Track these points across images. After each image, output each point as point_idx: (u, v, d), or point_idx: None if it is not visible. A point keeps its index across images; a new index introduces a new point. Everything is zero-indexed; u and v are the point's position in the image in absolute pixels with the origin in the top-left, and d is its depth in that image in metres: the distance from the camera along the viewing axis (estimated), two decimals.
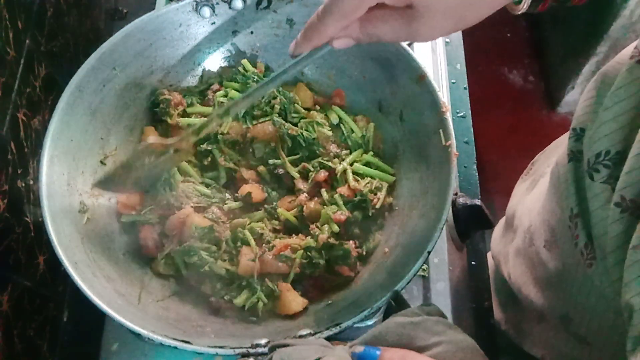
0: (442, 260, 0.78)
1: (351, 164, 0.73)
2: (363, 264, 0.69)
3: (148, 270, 0.69)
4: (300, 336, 0.53)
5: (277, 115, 0.74)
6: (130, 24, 0.71)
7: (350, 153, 0.75)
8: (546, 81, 2.09)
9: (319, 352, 0.43)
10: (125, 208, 0.71)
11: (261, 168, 0.74)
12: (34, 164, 0.69)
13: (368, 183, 0.72)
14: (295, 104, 0.77)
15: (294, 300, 0.65)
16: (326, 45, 0.52)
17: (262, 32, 0.79)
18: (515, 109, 2.07)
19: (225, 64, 0.81)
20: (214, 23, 0.77)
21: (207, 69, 0.81)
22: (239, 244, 0.68)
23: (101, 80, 0.70)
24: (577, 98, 1.92)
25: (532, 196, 0.74)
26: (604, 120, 0.48)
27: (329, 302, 0.66)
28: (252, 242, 0.67)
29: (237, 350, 0.54)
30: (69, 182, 0.66)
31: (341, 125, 0.78)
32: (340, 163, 0.73)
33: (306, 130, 0.74)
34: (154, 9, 0.76)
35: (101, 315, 0.62)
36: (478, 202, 0.77)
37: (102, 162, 0.72)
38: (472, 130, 0.90)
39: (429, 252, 0.58)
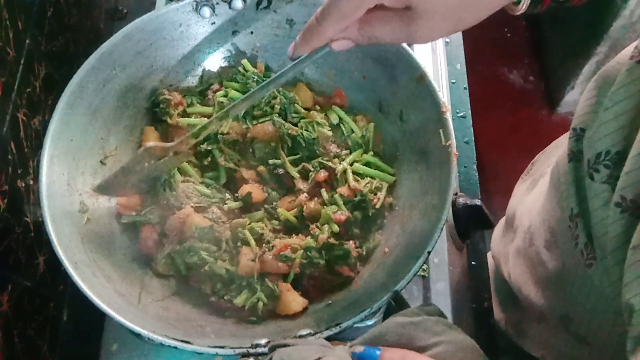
0: (442, 260, 0.78)
1: (351, 164, 0.73)
2: (363, 264, 0.69)
3: (148, 270, 0.69)
4: (300, 336, 0.53)
5: (277, 115, 0.74)
6: (130, 24, 0.71)
7: (350, 153, 0.75)
8: (546, 81, 2.09)
9: (319, 352, 0.43)
10: (125, 209, 0.71)
11: (261, 168, 0.74)
12: (34, 164, 0.69)
13: (368, 183, 0.72)
14: (295, 104, 0.77)
15: (294, 300, 0.65)
16: (325, 46, 0.52)
17: (262, 32, 0.79)
18: (515, 109, 2.07)
19: (225, 64, 0.81)
20: (214, 23, 0.77)
21: (207, 69, 0.81)
22: (239, 244, 0.68)
23: (101, 80, 0.70)
24: (577, 98, 1.92)
25: (532, 196, 0.74)
26: (604, 120, 0.48)
27: (329, 302, 0.66)
28: (252, 242, 0.67)
29: (237, 350, 0.54)
30: (69, 182, 0.66)
31: (341, 125, 0.78)
32: (340, 163, 0.73)
33: (306, 130, 0.74)
34: (154, 9, 0.76)
35: (101, 315, 0.62)
36: (478, 202, 0.77)
37: (102, 162, 0.72)
38: (472, 130, 0.90)
39: (429, 252, 0.58)
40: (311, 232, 0.69)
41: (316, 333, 0.55)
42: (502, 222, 0.87)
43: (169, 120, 0.75)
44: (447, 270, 0.77)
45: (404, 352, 0.42)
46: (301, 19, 0.76)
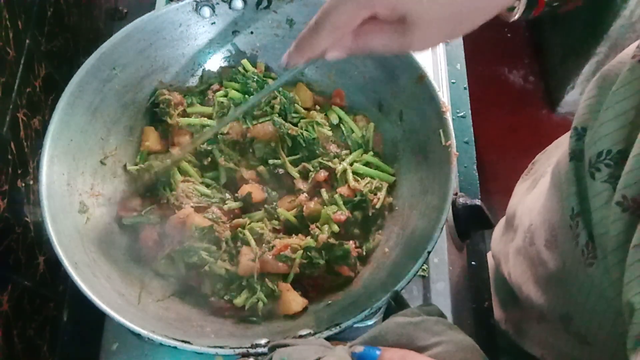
0: (442, 260, 0.78)
1: (351, 164, 0.73)
2: (363, 264, 0.69)
3: (148, 270, 0.69)
4: (300, 336, 0.53)
5: (277, 115, 0.75)
6: (130, 24, 0.71)
7: (350, 153, 0.75)
8: (546, 81, 2.09)
9: (319, 352, 0.43)
10: (125, 210, 0.71)
11: (261, 168, 0.74)
12: (34, 164, 0.69)
13: (368, 183, 0.72)
14: (295, 104, 0.77)
15: (294, 300, 0.65)
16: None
17: (262, 32, 0.79)
18: (515, 109, 2.07)
19: (225, 64, 0.81)
20: (214, 23, 0.77)
21: (207, 69, 0.81)
22: (239, 244, 0.68)
23: (101, 80, 0.70)
24: (577, 98, 1.92)
25: (533, 196, 0.74)
26: (605, 119, 0.48)
27: (329, 302, 0.66)
28: (252, 242, 0.67)
29: (237, 350, 0.54)
30: (69, 182, 0.66)
31: (341, 125, 0.78)
32: (340, 163, 0.73)
33: (306, 130, 0.74)
34: (154, 9, 0.76)
35: (101, 315, 0.62)
36: (478, 202, 0.77)
37: (102, 162, 0.72)
38: (472, 130, 0.90)
39: (429, 252, 0.58)
40: (311, 232, 0.69)
41: (316, 333, 0.55)
42: (502, 221, 0.87)
43: (169, 120, 0.75)
44: (447, 270, 0.77)
45: (404, 352, 0.42)
46: (301, 19, 0.76)
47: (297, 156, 0.74)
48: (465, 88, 0.94)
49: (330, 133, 0.75)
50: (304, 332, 0.54)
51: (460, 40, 0.98)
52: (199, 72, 0.81)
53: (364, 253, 0.69)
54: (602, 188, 0.48)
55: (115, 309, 0.56)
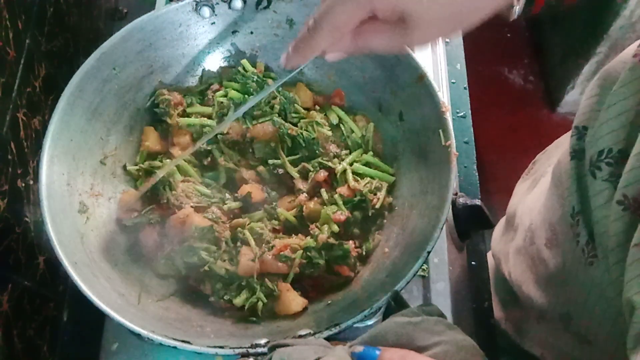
0: (442, 260, 0.78)
1: (351, 164, 0.73)
2: (363, 264, 0.69)
3: (148, 270, 0.69)
4: (300, 336, 0.53)
5: (277, 115, 0.74)
6: (130, 24, 0.71)
7: (350, 153, 0.75)
8: (546, 81, 2.09)
9: (319, 352, 0.43)
10: (125, 212, 0.71)
11: (261, 168, 0.74)
12: (34, 164, 0.69)
13: (368, 183, 0.72)
14: (295, 104, 0.77)
15: (294, 300, 0.65)
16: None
17: (262, 32, 0.79)
18: (515, 109, 2.07)
19: (225, 64, 0.81)
20: (214, 23, 0.77)
21: (207, 69, 0.81)
22: (238, 244, 0.68)
23: (101, 80, 0.70)
24: (577, 98, 1.92)
25: (533, 195, 0.74)
26: (606, 118, 0.48)
27: (329, 302, 0.66)
28: (252, 242, 0.67)
29: (237, 350, 0.54)
30: (69, 182, 0.66)
31: (341, 125, 0.78)
32: (340, 163, 0.73)
33: (306, 130, 0.74)
34: (154, 9, 0.76)
35: (101, 315, 0.62)
36: (478, 202, 0.77)
37: (102, 162, 0.72)
38: (472, 130, 0.90)
39: (429, 252, 0.58)
40: (311, 232, 0.69)
41: (316, 333, 0.55)
42: (502, 221, 0.87)
43: (168, 120, 0.75)
44: (447, 270, 0.77)
45: (404, 352, 0.42)
46: (301, 19, 0.76)
47: (297, 156, 0.74)
48: (465, 88, 0.94)
49: (330, 133, 0.75)
50: (303, 332, 0.54)
51: (460, 40, 0.98)
52: (199, 72, 0.81)
53: (364, 253, 0.69)
54: (603, 187, 0.48)
55: (115, 309, 0.56)
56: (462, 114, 0.91)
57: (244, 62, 0.80)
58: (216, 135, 0.74)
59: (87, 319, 0.73)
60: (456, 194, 0.79)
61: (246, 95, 0.76)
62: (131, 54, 0.72)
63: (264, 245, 0.68)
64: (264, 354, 0.52)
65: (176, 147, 0.75)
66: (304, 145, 0.73)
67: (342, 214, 0.69)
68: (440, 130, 0.66)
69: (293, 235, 0.70)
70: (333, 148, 0.75)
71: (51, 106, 0.67)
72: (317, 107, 0.79)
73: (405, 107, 0.74)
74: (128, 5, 1.02)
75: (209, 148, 0.74)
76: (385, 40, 0.48)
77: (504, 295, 0.83)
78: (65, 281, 0.76)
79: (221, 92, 0.78)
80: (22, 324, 0.65)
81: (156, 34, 0.74)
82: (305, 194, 0.72)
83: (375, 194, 0.71)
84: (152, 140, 0.76)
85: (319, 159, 0.73)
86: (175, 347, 0.55)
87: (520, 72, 2.14)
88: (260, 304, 0.65)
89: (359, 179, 0.73)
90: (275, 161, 0.73)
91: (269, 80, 0.78)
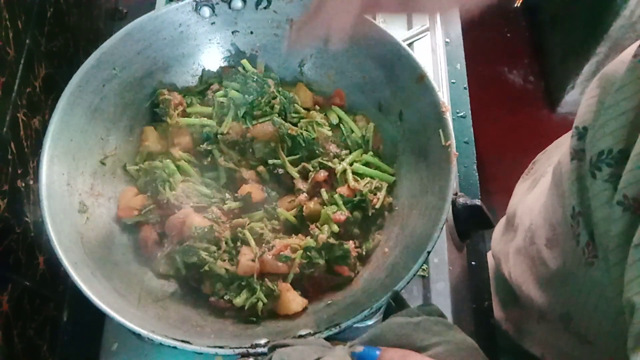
0: (442, 260, 0.78)
1: (351, 164, 0.73)
2: (363, 264, 0.69)
3: (148, 270, 0.69)
4: (300, 336, 0.53)
5: (277, 115, 0.74)
6: (130, 24, 0.71)
7: (350, 153, 0.75)
8: (546, 81, 2.09)
9: (319, 352, 0.43)
10: (125, 212, 0.71)
11: (261, 168, 0.74)
12: (34, 164, 0.69)
13: (368, 183, 0.72)
14: (295, 104, 0.77)
15: (294, 300, 0.65)
16: None
17: (262, 32, 0.79)
18: (515, 109, 2.07)
19: (225, 64, 0.81)
20: (214, 23, 0.77)
21: (207, 69, 0.81)
22: (238, 244, 0.68)
23: (101, 80, 0.70)
24: (577, 98, 1.92)
25: (533, 195, 0.74)
26: (606, 118, 0.48)
27: (329, 302, 0.66)
28: (252, 242, 0.67)
29: (237, 350, 0.54)
30: (69, 182, 0.66)
31: (341, 125, 0.78)
32: (340, 163, 0.73)
33: (306, 130, 0.74)
34: (154, 9, 0.76)
35: (101, 315, 0.62)
36: (478, 202, 0.77)
37: (102, 162, 0.72)
38: (472, 130, 0.90)
39: (429, 252, 0.58)
40: (311, 232, 0.68)
41: (316, 333, 0.55)
42: (502, 221, 0.87)
43: (168, 120, 0.75)
44: (447, 270, 0.77)
45: (404, 352, 0.42)
46: None
47: (297, 156, 0.74)
48: (465, 88, 0.94)
49: (330, 133, 0.75)
50: (303, 332, 0.54)
51: (460, 40, 0.98)
52: (199, 72, 0.81)
53: (364, 253, 0.69)
54: (603, 187, 0.48)
55: (115, 309, 0.56)
56: (462, 114, 0.91)
57: (244, 62, 0.80)
58: (216, 135, 0.74)
59: (87, 319, 0.73)
60: (456, 194, 0.79)
61: (246, 96, 0.76)
62: (131, 54, 0.72)
63: (264, 245, 0.68)
64: (264, 354, 0.52)
65: (176, 147, 0.75)
66: (304, 145, 0.73)
67: (342, 214, 0.69)
68: (440, 130, 0.66)
69: (293, 235, 0.70)
70: (333, 148, 0.75)
71: (51, 106, 0.67)
72: (317, 107, 0.79)
73: (405, 107, 0.74)
74: (128, 5, 1.02)
75: (209, 148, 0.74)
76: (394, 7, 0.47)
77: (504, 296, 0.83)
78: (65, 281, 0.76)
79: (221, 92, 0.78)
80: (22, 324, 0.65)
81: (156, 34, 0.74)
82: (305, 194, 0.72)
83: (375, 194, 0.71)
84: (152, 140, 0.76)
85: (319, 159, 0.73)
86: (175, 347, 0.55)
87: (520, 72, 2.14)
88: (260, 304, 0.65)
89: (359, 179, 0.73)
90: (275, 161, 0.73)
91: (269, 81, 0.78)
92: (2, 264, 0.61)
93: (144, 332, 0.55)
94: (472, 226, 0.79)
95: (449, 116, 0.66)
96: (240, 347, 0.54)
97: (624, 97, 0.47)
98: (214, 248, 0.68)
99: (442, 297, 0.75)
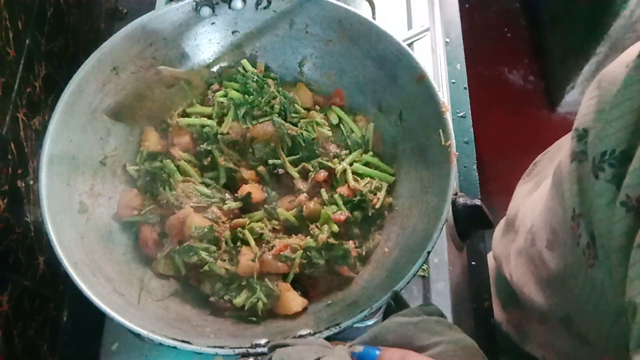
0: (442, 260, 0.78)
1: (351, 164, 0.73)
2: (363, 264, 0.69)
3: (148, 270, 0.69)
4: (300, 336, 0.53)
5: (277, 115, 0.74)
6: (130, 24, 0.71)
7: (350, 153, 0.75)
8: (546, 81, 2.09)
9: (319, 352, 0.43)
10: (125, 210, 0.71)
11: (261, 168, 0.74)
12: (34, 164, 0.69)
13: (368, 183, 0.72)
14: (295, 104, 0.77)
15: (294, 300, 0.65)
16: None
17: (262, 32, 0.79)
18: (515, 109, 2.07)
19: (225, 64, 0.81)
20: (214, 23, 0.77)
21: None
22: (238, 244, 0.68)
23: (101, 80, 0.70)
24: (577, 98, 1.92)
25: (535, 197, 0.74)
26: (609, 119, 0.48)
27: (329, 302, 0.66)
28: (252, 242, 0.67)
29: (237, 350, 0.54)
30: (69, 182, 0.66)
31: (341, 125, 0.78)
32: (340, 163, 0.73)
33: (306, 130, 0.74)
34: (154, 9, 0.76)
35: (101, 315, 0.62)
36: (478, 202, 0.77)
37: (102, 162, 0.72)
38: (472, 130, 0.90)
39: (429, 252, 0.58)
40: (311, 232, 0.69)
41: (316, 333, 0.55)
42: (502, 222, 0.87)
43: (168, 120, 0.75)
44: (447, 270, 0.77)
45: (404, 352, 0.42)
46: (301, 19, 0.76)
47: (297, 156, 0.74)
48: (465, 88, 0.94)
49: (330, 133, 0.75)
50: (303, 332, 0.54)
51: (460, 40, 0.98)
52: None
53: (364, 253, 0.69)
54: (606, 188, 0.47)
55: (115, 309, 0.56)
56: (462, 114, 0.91)
57: (244, 62, 0.80)
58: (216, 135, 0.74)
59: (87, 319, 0.73)
60: (456, 194, 0.79)
61: (246, 96, 0.76)
62: (131, 54, 0.72)
63: (264, 245, 0.68)
64: (264, 354, 0.52)
65: (176, 147, 0.75)
66: (304, 145, 0.73)
67: (342, 214, 0.69)
68: (440, 130, 0.66)
69: (293, 235, 0.70)
70: (333, 148, 0.75)
71: (51, 106, 0.67)
72: (317, 107, 0.79)
73: (405, 107, 0.74)
74: (128, 5, 1.02)
75: (209, 148, 0.74)
76: None
77: (505, 297, 0.83)
78: (65, 281, 0.76)
79: (221, 92, 0.78)
80: (22, 324, 0.65)
81: (156, 34, 0.74)
82: (305, 194, 0.72)
83: (375, 194, 0.71)
84: (152, 140, 0.75)
85: (319, 159, 0.73)
86: (175, 347, 0.55)
87: (520, 72, 2.14)
88: (260, 304, 0.65)
89: (359, 179, 0.73)
90: (275, 161, 0.73)
91: (269, 81, 0.78)
92: (2, 264, 0.61)
93: (144, 332, 0.55)
94: (472, 226, 0.79)
95: (449, 116, 0.66)
96: (240, 347, 0.54)
97: (627, 97, 0.47)
98: (214, 248, 0.68)
99: (442, 297, 0.75)
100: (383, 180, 0.73)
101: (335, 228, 0.68)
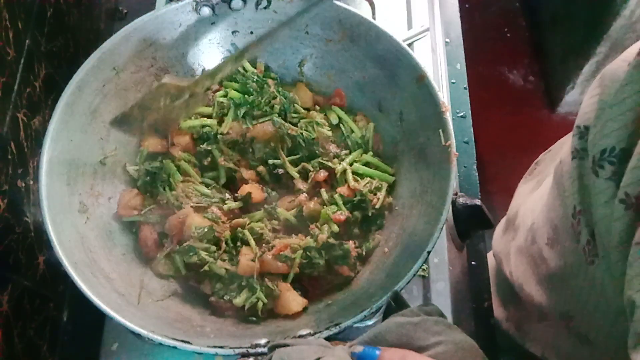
0: (442, 260, 0.78)
1: (351, 164, 0.73)
2: (363, 264, 0.69)
3: (148, 270, 0.69)
4: (300, 336, 0.53)
5: (277, 115, 0.75)
6: (130, 24, 0.71)
7: (350, 153, 0.75)
8: (546, 81, 2.09)
9: (319, 352, 0.43)
10: (125, 210, 0.71)
11: (261, 168, 0.74)
12: (34, 164, 0.69)
13: (368, 183, 0.72)
14: (295, 104, 0.77)
15: (294, 300, 0.65)
16: None
17: (262, 32, 0.79)
18: (515, 109, 2.07)
19: (227, 73, 0.81)
20: (214, 23, 0.77)
21: (207, 68, 0.80)
22: (238, 244, 0.68)
23: (101, 80, 0.70)
24: (577, 98, 1.92)
25: (536, 195, 0.74)
26: (609, 117, 0.48)
27: (329, 302, 0.66)
28: (252, 242, 0.67)
29: (237, 350, 0.54)
30: (69, 182, 0.66)
31: (341, 125, 0.78)
32: (340, 163, 0.73)
33: (306, 130, 0.74)
34: (154, 9, 0.76)
35: (101, 315, 0.62)
36: (478, 202, 0.77)
37: (102, 162, 0.72)
38: (472, 130, 0.90)
39: (429, 252, 0.58)
40: (311, 232, 0.69)
41: (316, 333, 0.55)
42: (503, 221, 0.87)
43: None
44: (447, 270, 0.77)
45: (404, 352, 0.42)
46: (301, 19, 0.76)
47: (297, 156, 0.74)
48: (465, 88, 0.94)
49: (330, 133, 0.75)
50: (303, 332, 0.54)
51: (460, 40, 0.98)
52: (199, 72, 0.81)
53: (364, 253, 0.69)
54: (606, 186, 0.48)
55: (115, 309, 0.56)
56: (462, 114, 0.91)
57: (244, 62, 0.79)
58: (216, 135, 0.74)
59: (87, 319, 0.73)
60: (456, 194, 0.79)
61: (246, 96, 0.76)
62: (131, 54, 0.72)
63: (264, 245, 0.68)
64: (264, 354, 0.52)
65: (176, 147, 0.75)
66: (304, 145, 0.73)
67: (342, 214, 0.69)
68: (440, 130, 0.66)
69: (293, 235, 0.70)
70: (333, 148, 0.75)
71: (51, 106, 0.67)
72: (317, 107, 0.79)
73: (405, 107, 0.74)
74: (128, 5, 1.02)
75: (209, 148, 0.74)
76: None
77: (505, 295, 0.83)
78: (65, 281, 0.76)
79: (221, 92, 0.78)
80: (22, 324, 0.65)
81: (156, 34, 0.74)
82: (305, 194, 0.72)
83: (375, 194, 0.71)
84: (152, 140, 0.75)
85: (319, 159, 0.73)
86: (175, 347, 0.55)
87: (520, 72, 2.14)
88: (260, 303, 0.65)
89: (359, 179, 0.73)
90: (275, 161, 0.73)
91: (269, 81, 0.78)
92: (2, 264, 0.61)
93: (144, 332, 0.55)
94: (472, 226, 0.79)
95: (449, 116, 0.66)
96: (240, 347, 0.54)
97: (627, 96, 0.47)
98: (214, 248, 0.68)
99: (442, 297, 0.75)
100: (383, 180, 0.73)
101: (335, 228, 0.68)
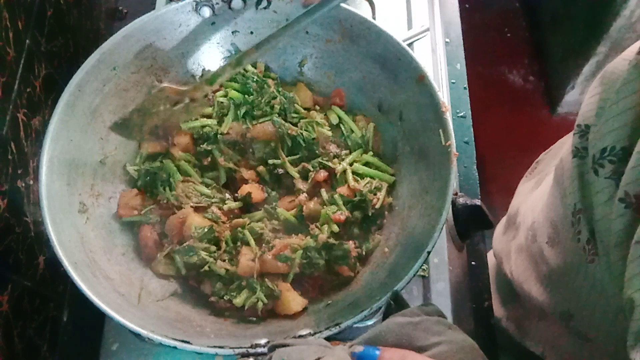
0: (442, 260, 0.78)
1: (351, 164, 0.73)
2: (363, 264, 0.69)
3: (148, 270, 0.69)
4: (300, 336, 0.53)
5: (277, 115, 0.75)
6: (130, 24, 0.71)
7: (350, 153, 0.75)
8: (546, 81, 2.09)
9: (319, 352, 0.43)
10: (125, 210, 0.71)
11: (261, 168, 0.74)
12: (34, 164, 0.69)
13: (368, 183, 0.72)
14: (295, 104, 0.77)
15: (294, 300, 0.65)
16: None
17: (262, 32, 0.79)
18: (516, 109, 2.07)
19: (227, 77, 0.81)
20: (214, 23, 0.77)
21: (207, 69, 0.81)
22: (238, 244, 0.68)
23: (101, 80, 0.70)
24: (577, 98, 1.92)
25: (536, 194, 0.74)
26: (609, 116, 0.48)
27: (329, 302, 0.66)
28: (252, 242, 0.67)
29: (237, 350, 0.54)
30: (69, 182, 0.66)
31: (341, 125, 0.78)
32: (340, 163, 0.73)
33: (306, 130, 0.74)
34: (154, 9, 0.76)
35: (101, 315, 0.62)
36: (478, 202, 0.77)
37: (102, 162, 0.72)
38: (472, 130, 0.90)
39: (429, 252, 0.58)
40: (311, 232, 0.69)
41: (316, 333, 0.55)
42: (503, 220, 0.87)
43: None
44: (447, 270, 0.77)
45: (404, 352, 0.42)
46: None
47: (297, 156, 0.74)
48: (465, 88, 0.94)
49: (330, 133, 0.75)
50: (303, 332, 0.54)
51: (460, 40, 0.98)
52: (199, 72, 0.81)
53: (364, 253, 0.69)
54: (606, 184, 0.48)
55: (115, 309, 0.56)
56: (462, 114, 0.91)
57: None
58: (216, 135, 0.74)
59: (87, 319, 0.73)
60: (456, 194, 0.79)
61: (246, 96, 0.76)
62: (131, 54, 0.72)
63: (264, 245, 0.68)
64: (264, 354, 0.52)
65: (176, 147, 0.75)
66: (304, 145, 0.73)
67: (342, 214, 0.69)
68: (440, 130, 0.66)
69: (293, 235, 0.70)
70: (333, 148, 0.75)
71: (51, 106, 0.67)
72: (317, 107, 0.79)
73: (405, 107, 0.74)
74: (128, 5, 1.02)
75: (209, 148, 0.74)
76: None
77: (505, 294, 0.83)
78: (65, 281, 0.76)
79: (221, 92, 0.78)
80: (22, 324, 0.65)
81: (156, 34, 0.74)
82: (305, 194, 0.72)
83: (375, 194, 0.71)
84: (151, 143, 0.75)
85: (319, 159, 0.73)
86: (175, 347, 0.55)
87: (520, 72, 2.14)
88: (260, 304, 0.65)
89: (359, 179, 0.73)
90: (275, 161, 0.73)
91: (269, 81, 0.78)
92: (2, 264, 0.61)
93: (144, 332, 0.55)
94: (472, 226, 0.79)
95: (449, 116, 0.66)
96: (240, 347, 0.54)
97: (627, 94, 0.47)
98: (214, 248, 0.68)
99: (442, 297, 0.75)
100: (383, 181, 0.73)
101: (335, 228, 0.68)
